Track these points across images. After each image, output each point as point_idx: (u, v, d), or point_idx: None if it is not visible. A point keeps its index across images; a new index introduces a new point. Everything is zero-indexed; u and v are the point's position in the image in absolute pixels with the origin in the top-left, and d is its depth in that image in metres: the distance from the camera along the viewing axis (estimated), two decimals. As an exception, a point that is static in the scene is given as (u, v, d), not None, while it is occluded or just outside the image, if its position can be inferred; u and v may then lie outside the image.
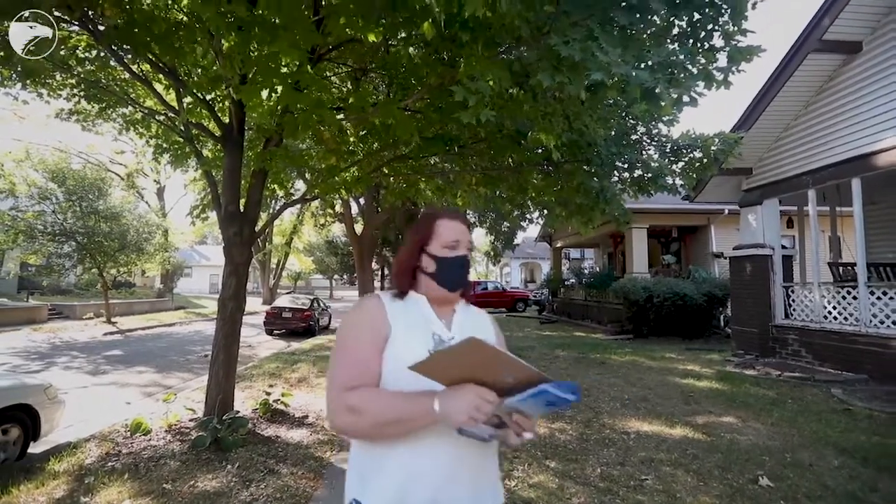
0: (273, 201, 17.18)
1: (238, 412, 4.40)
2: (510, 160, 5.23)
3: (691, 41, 2.86)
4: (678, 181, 6.36)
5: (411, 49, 4.38)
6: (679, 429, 4.38)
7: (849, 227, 7.60)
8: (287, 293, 21.14)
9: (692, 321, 11.40)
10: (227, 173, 4.48)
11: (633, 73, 2.26)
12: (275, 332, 14.06)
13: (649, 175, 5.60)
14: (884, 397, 5.35)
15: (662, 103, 2.33)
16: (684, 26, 2.81)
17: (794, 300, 7.74)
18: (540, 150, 4.70)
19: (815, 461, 3.56)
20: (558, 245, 20.93)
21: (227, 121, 4.48)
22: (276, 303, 15.50)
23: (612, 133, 5.27)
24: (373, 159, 5.86)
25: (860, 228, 6.50)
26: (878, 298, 6.24)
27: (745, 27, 2.64)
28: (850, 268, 7.88)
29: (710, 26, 2.75)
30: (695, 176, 6.20)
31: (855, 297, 6.57)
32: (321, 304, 16.16)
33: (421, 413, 0.89)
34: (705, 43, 2.85)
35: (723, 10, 2.70)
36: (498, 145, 4.69)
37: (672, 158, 6.03)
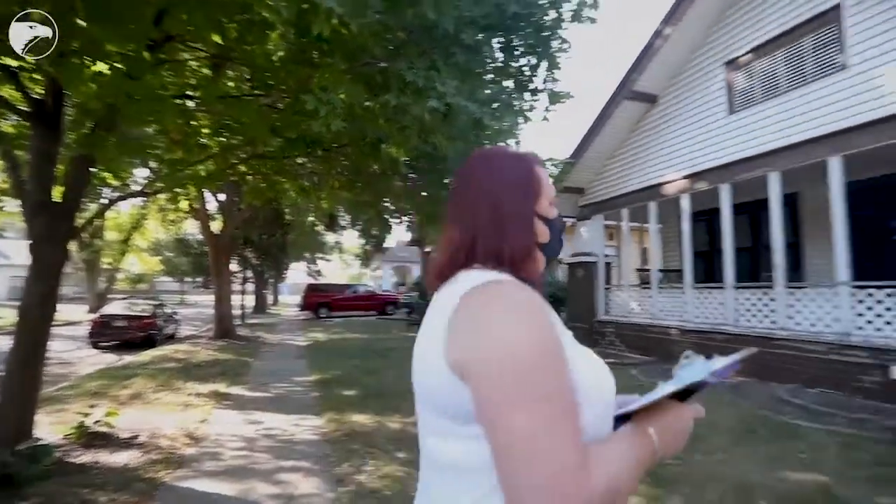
0: (107, 191, 14.63)
1: (40, 440, 3.75)
2: (373, 167, 5.42)
3: (522, 81, 3.42)
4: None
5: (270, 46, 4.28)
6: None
7: (660, 239, 9.55)
8: (123, 299, 18.12)
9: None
10: (36, 156, 3.78)
11: (465, 105, 2.64)
12: (103, 344, 11.97)
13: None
14: (665, 373, 6.83)
15: (488, 133, 2.76)
16: (514, 70, 3.35)
17: (611, 299, 9.41)
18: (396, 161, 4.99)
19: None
20: (428, 249, 21.81)
21: (42, 96, 3.80)
22: (105, 310, 13.22)
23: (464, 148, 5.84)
24: (229, 155, 5.51)
25: (656, 242, 8.25)
26: (664, 297, 7.98)
27: (556, 77, 3.26)
28: (648, 272, 9.89)
29: (532, 72, 3.33)
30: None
31: (650, 297, 8.29)
32: (166, 311, 14.25)
33: (648, 456, 0.63)
34: (530, 84, 3.44)
35: (542, 61, 3.30)
36: (360, 152, 4.83)
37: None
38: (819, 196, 6.47)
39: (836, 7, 5.60)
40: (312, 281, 28.75)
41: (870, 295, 5.24)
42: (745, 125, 6.61)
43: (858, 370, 5.10)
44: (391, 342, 11.36)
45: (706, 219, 8.70)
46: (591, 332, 9.52)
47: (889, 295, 4.99)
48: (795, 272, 8.01)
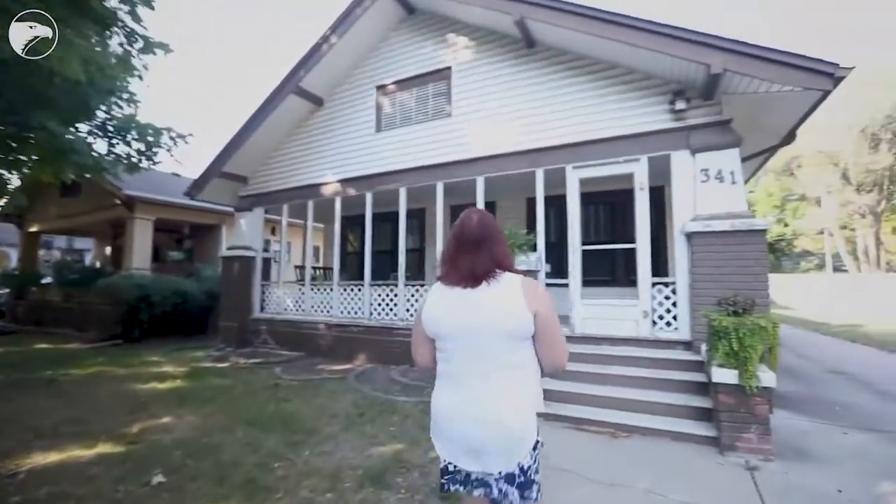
0: None
1: None
2: None
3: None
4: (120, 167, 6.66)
5: None
6: (100, 447, 3.89)
7: (323, 237, 9.73)
8: None
9: (195, 319, 11.26)
10: None
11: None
12: None
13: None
14: (308, 368, 7.06)
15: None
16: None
17: (267, 296, 9.07)
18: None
19: (225, 439, 4.04)
20: (34, 229, 15.58)
21: None
22: None
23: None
24: None
25: (310, 239, 8.45)
26: (315, 293, 8.30)
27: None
28: (315, 269, 10.14)
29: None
30: (138, 162, 6.52)
31: (303, 293, 8.44)
32: None
33: None
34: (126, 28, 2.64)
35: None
36: None
37: (118, 138, 5.95)
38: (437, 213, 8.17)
39: (448, 69, 7.21)
40: None
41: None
42: (387, 144, 7.64)
43: (443, 349, 6.63)
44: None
45: (362, 223, 9.65)
46: (244, 330, 8.88)
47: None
48: (421, 273, 9.95)
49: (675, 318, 5.35)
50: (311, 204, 8.53)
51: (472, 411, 1.49)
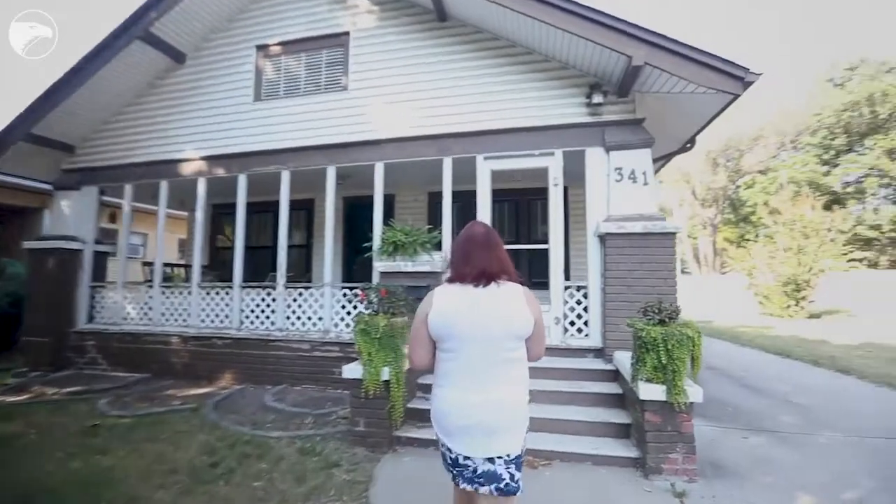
0: None
1: None
2: None
3: None
4: None
5: None
6: None
7: (181, 228, 7.86)
8: None
9: (-10, 332, 8.41)
10: None
11: None
12: None
13: None
14: (150, 396, 5.43)
15: None
16: None
17: (100, 302, 7.02)
18: None
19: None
20: None
21: None
22: None
23: None
24: None
25: (161, 229, 6.70)
26: (168, 298, 6.59)
27: None
28: (171, 267, 8.20)
29: None
30: None
31: (151, 297, 6.65)
32: None
33: None
34: None
35: None
36: None
37: None
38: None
39: (347, 34, 6.17)
40: None
41: (344, 295, 5.92)
42: (267, 117, 6.33)
43: (332, 364, 5.59)
44: None
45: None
46: (62, 348, 6.74)
47: (356, 295, 5.75)
48: (307, 273, 8.65)
49: (586, 323, 5.07)
50: (165, 185, 6.76)
51: (489, 400, 1.67)
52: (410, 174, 6.86)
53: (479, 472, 1.66)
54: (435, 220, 6.64)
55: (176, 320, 6.51)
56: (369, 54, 6.01)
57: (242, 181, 6.35)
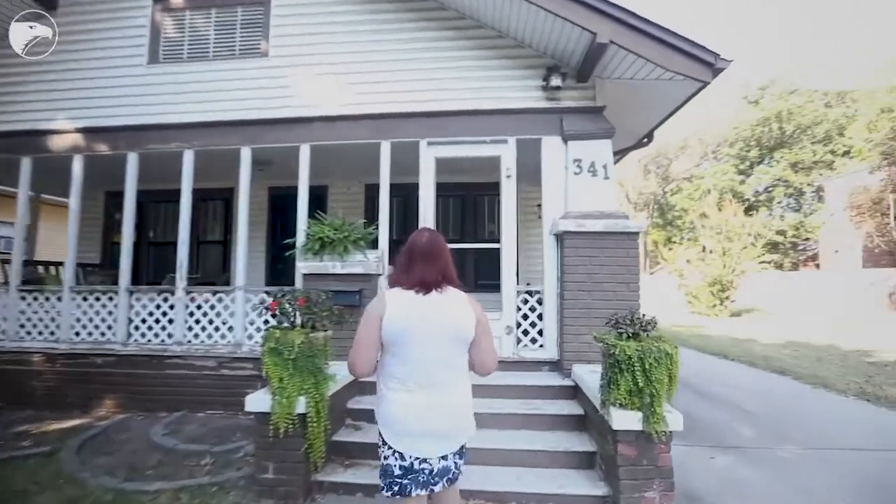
0: None
1: None
2: None
3: None
4: None
5: None
6: None
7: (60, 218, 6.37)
8: None
9: None
10: None
11: None
12: None
13: None
14: (-9, 436, 4.16)
15: None
16: None
17: (-66, 310, 5.46)
18: None
19: None
20: None
21: None
22: None
23: None
24: None
25: (22, 218, 5.31)
26: (31, 305, 5.22)
27: None
28: (39, 266, 6.67)
29: None
30: None
31: (6, 306, 5.24)
32: None
33: None
34: None
35: None
36: None
37: None
38: (255, 194, 5.91)
39: (269, -9, 5.19)
40: None
41: (261, 301, 4.95)
42: (167, 83, 5.19)
43: (245, 384, 4.63)
44: None
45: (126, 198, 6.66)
46: None
47: (262, 302, 4.80)
48: (224, 274, 7.48)
49: (540, 333, 4.54)
50: (27, 162, 5.36)
51: (443, 402, 1.70)
52: (345, 162, 6.01)
53: (435, 471, 1.69)
54: (372, 214, 5.84)
55: (41, 333, 5.17)
56: (295, 17, 5.09)
57: (133, 160, 5.16)
